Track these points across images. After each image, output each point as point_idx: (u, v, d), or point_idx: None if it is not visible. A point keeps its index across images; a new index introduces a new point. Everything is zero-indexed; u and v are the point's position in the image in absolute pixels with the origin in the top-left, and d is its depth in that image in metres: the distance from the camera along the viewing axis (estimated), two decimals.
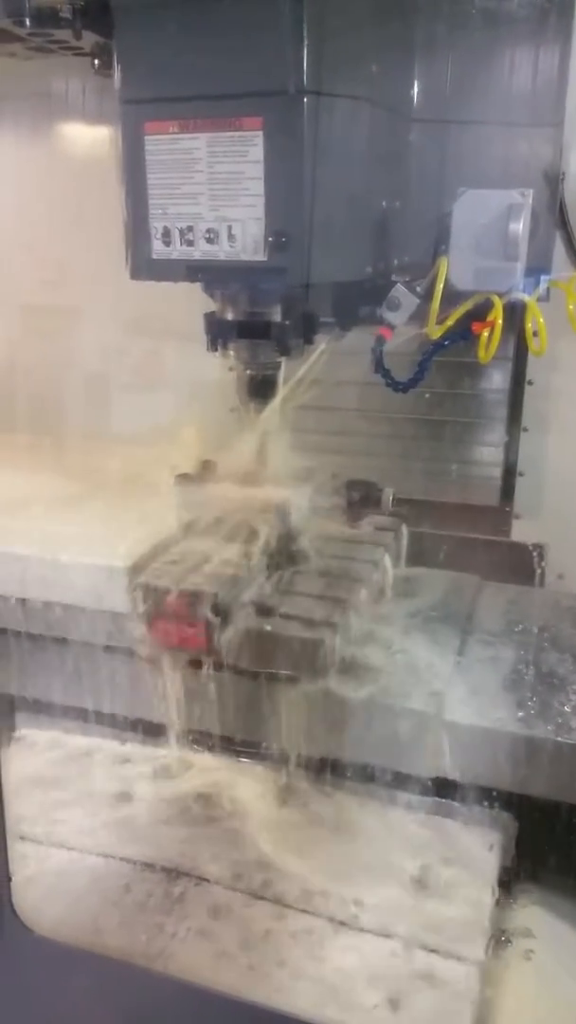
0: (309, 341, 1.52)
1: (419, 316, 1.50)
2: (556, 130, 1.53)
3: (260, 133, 1.27)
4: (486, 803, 1.46)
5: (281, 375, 1.53)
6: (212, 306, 1.50)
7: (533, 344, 1.49)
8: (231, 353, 1.51)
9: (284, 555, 1.59)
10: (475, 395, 1.86)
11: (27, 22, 1.44)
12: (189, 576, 1.43)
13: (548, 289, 1.53)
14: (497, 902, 1.39)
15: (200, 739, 1.61)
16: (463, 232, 1.45)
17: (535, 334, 1.48)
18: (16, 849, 1.30)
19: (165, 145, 1.34)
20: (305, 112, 1.25)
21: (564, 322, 1.49)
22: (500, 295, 1.44)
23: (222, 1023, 1.20)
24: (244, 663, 1.42)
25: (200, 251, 1.37)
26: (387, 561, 1.71)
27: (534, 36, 1.50)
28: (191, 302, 1.50)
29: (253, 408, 1.55)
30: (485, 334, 1.45)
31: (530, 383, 1.85)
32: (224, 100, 1.28)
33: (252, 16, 1.24)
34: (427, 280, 1.49)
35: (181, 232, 1.37)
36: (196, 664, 1.46)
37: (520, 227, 1.41)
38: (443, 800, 1.49)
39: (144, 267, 1.41)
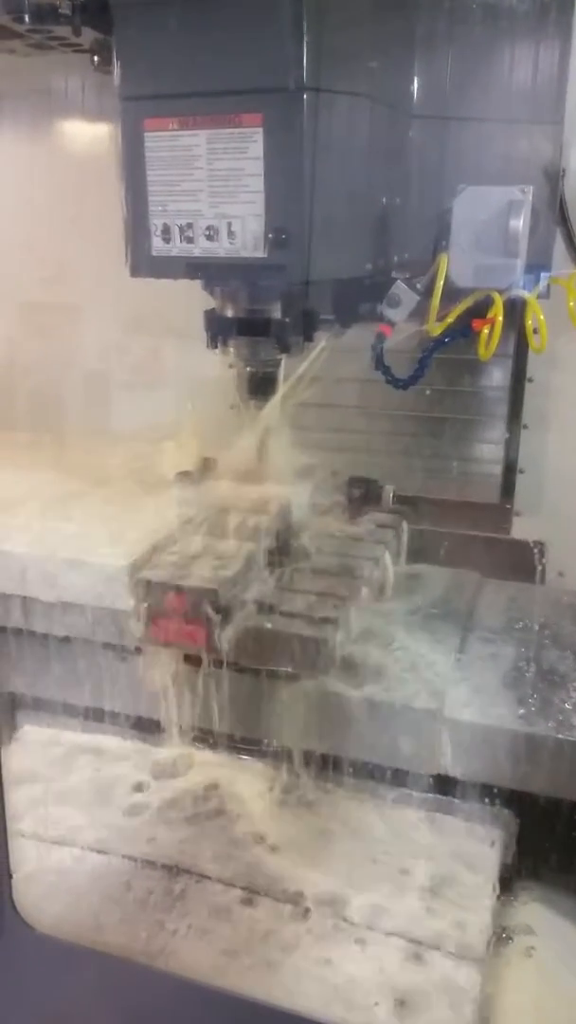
0: (309, 338, 1.51)
1: (419, 313, 1.50)
2: (556, 127, 1.53)
3: (260, 130, 1.27)
4: (487, 800, 1.46)
5: (281, 372, 1.53)
6: (212, 303, 1.50)
7: (533, 341, 1.49)
8: (231, 350, 1.51)
9: (284, 552, 1.59)
10: (475, 392, 1.87)
11: (26, 18, 1.44)
12: (189, 573, 1.43)
13: (548, 286, 1.52)
14: (498, 899, 1.39)
15: (201, 736, 1.61)
16: (463, 229, 1.45)
17: (535, 331, 1.48)
18: (17, 846, 1.30)
19: (165, 142, 1.33)
20: (305, 108, 1.25)
21: (564, 319, 1.49)
22: (500, 292, 1.44)
23: (223, 1020, 1.20)
24: (244, 660, 1.43)
25: (200, 248, 1.36)
26: (387, 558, 1.71)
27: (534, 32, 1.49)
28: (191, 299, 1.50)
29: (253, 405, 1.55)
30: (485, 331, 1.45)
31: (530, 380, 1.85)
32: (224, 96, 1.28)
33: (252, 12, 1.24)
34: (427, 277, 1.48)
35: (181, 229, 1.37)
36: (196, 661, 1.47)
37: (520, 224, 1.41)
38: (444, 797, 1.49)
39: (144, 264, 1.41)
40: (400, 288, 1.51)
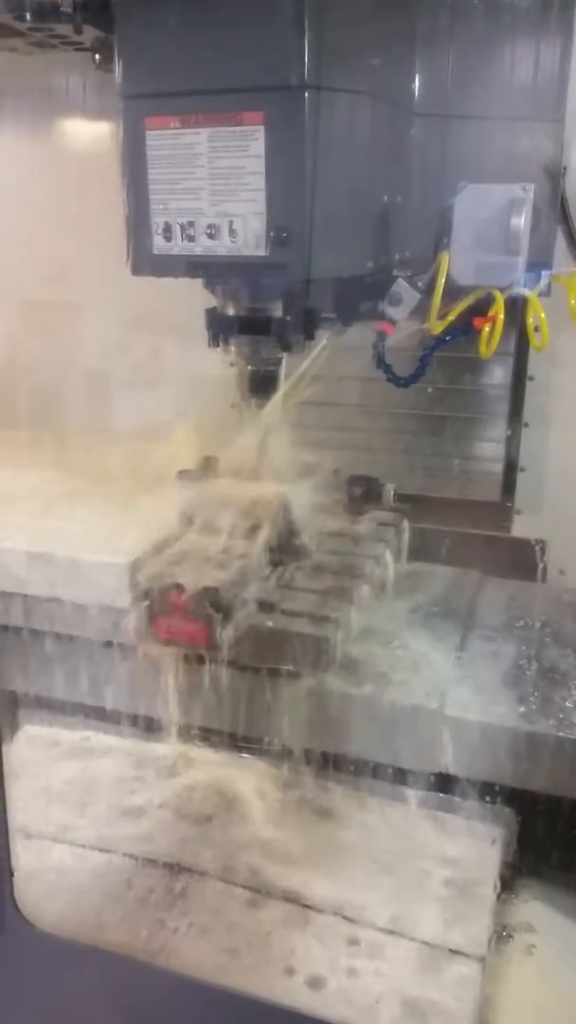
0: (310, 336, 1.51)
1: (420, 311, 1.50)
2: (557, 124, 1.53)
3: (261, 128, 1.27)
4: (488, 798, 1.46)
5: (282, 371, 1.53)
6: (213, 302, 1.50)
7: (534, 339, 1.49)
8: (232, 349, 1.51)
9: (285, 551, 1.59)
10: (476, 390, 1.86)
11: (28, 17, 1.44)
12: (191, 572, 1.43)
13: (549, 284, 1.52)
14: (499, 897, 1.39)
15: (202, 735, 1.61)
16: (464, 227, 1.45)
17: (536, 329, 1.48)
18: (18, 844, 1.30)
19: (166, 140, 1.33)
20: (306, 106, 1.25)
21: (565, 317, 1.49)
22: (501, 290, 1.44)
23: (224, 1018, 1.20)
24: (245, 659, 1.43)
25: (201, 246, 1.36)
26: (388, 557, 1.71)
27: (536, 30, 1.49)
28: (192, 298, 1.50)
29: (254, 404, 1.55)
30: (486, 329, 1.45)
31: (531, 378, 1.85)
32: (225, 95, 1.28)
33: (253, 10, 1.24)
34: (428, 275, 1.48)
35: (182, 227, 1.37)
36: (198, 660, 1.47)
37: (521, 222, 1.41)
38: (445, 795, 1.49)
39: (145, 263, 1.41)
40: (401, 286, 1.51)
